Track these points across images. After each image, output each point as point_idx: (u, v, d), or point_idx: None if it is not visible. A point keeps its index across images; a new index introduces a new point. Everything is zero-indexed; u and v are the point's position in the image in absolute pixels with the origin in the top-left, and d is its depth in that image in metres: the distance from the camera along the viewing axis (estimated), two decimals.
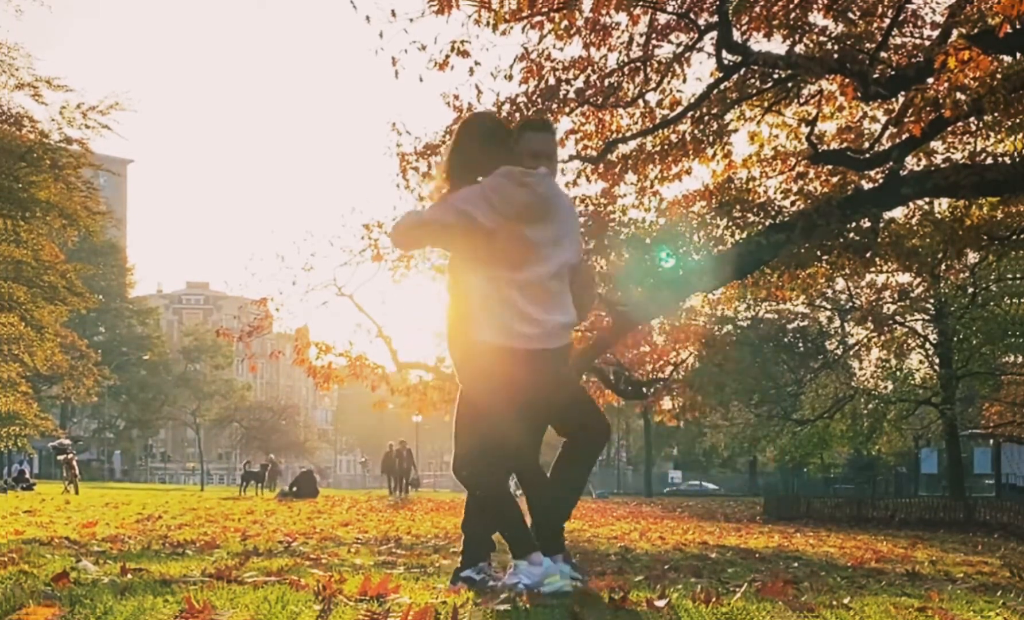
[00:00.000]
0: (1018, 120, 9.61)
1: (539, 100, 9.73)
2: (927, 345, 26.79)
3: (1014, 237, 12.49)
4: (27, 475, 29.02)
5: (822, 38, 9.58)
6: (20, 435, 27.57)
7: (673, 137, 10.47)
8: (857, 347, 28.99)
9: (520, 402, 3.26)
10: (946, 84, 7.79)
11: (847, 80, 8.85)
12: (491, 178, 3.23)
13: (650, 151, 10.52)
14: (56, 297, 25.50)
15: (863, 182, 10.93)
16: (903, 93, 9.09)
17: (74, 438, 47.91)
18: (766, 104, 10.51)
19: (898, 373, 28.42)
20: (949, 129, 10.23)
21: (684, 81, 10.04)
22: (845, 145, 10.87)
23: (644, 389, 14.72)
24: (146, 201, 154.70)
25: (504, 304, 3.23)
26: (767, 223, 10.86)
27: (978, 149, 11.04)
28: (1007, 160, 10.30)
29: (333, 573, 3.59)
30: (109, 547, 5.18)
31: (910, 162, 10.65)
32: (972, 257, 19.98)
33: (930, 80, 8.37)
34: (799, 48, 9.61)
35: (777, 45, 9.70)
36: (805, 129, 10.66)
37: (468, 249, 3.28)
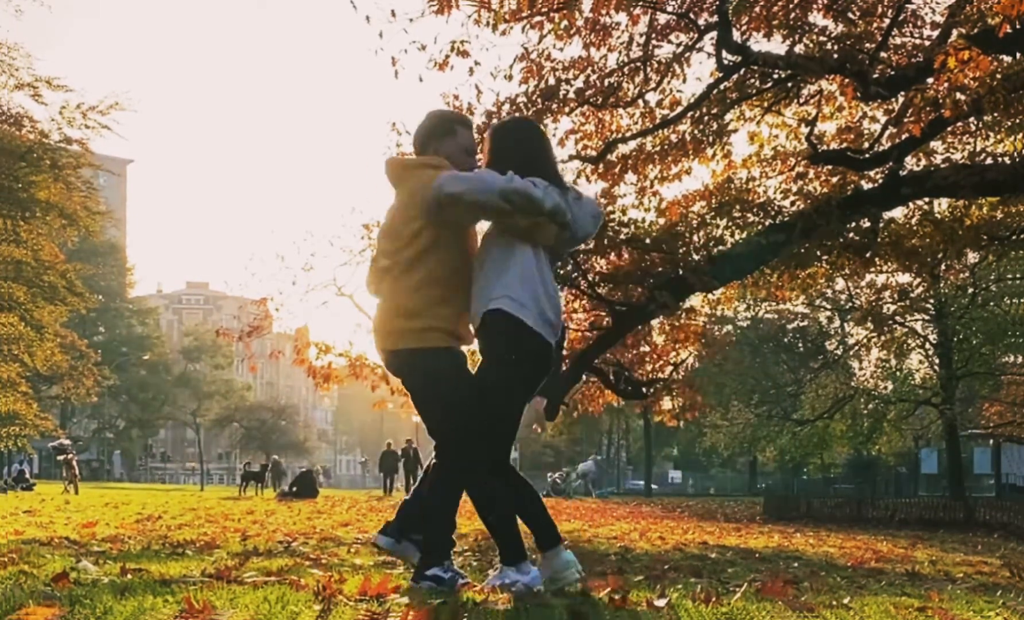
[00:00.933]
0: (1018, 120, 9.61)
1: (539, 100, 9.72)
2: (927, 345, 26.79)
3: (1014, 237, 12.49)
4: (27, 475, 29.02)
5: (822, 38, 9.57)
6: (20, 435, 27.54)
7: (673, 137, 10.47)
8: (857, 347, 29.01)
9: (531, 390, 3.38)
10: (946, 84, 7.78)
11: (847, 80, 8.84)
12: (571, 187, 3.48)
13: (650, 151, 10.52)
14: (56, 297, 25.48)
15: (863, 182, 10.93)
16: (903, 93, 9.09)
17: (74, 438, 47.89)
18: (766, 104, 10.51)
19: (898, 373, 28.43)
20: (949, 129, 10.23)
21: (684, 81, 10.06)
22: (845, 145, 10.87)
23: (644, 389, 14.70)
24: (146, 201, 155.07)
25: (531, 282, 3.31)
26: (767, 223, 10.85)
27: (978, 149, 11.04)
28: (1007, 160, 10.30)
29: (333, 573, 3.59)
30: (109, 547, 5.18)
31: (910, 162, 10.65)
32: (972, 257, 20.00)
33: (930, 80, 8.36)
34: (799, 48, 9.61)
35: (777, 45, 9.71)
36: (805, 129, 10.66)
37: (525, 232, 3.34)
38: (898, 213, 12.70)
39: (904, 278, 21.57)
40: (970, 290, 23.08)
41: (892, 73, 9.15)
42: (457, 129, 3.59)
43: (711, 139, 10.42)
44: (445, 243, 3.39)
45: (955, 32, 8.51)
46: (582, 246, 11.20)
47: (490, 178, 3.28)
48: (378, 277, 3.54)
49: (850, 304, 26.50)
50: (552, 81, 9.82)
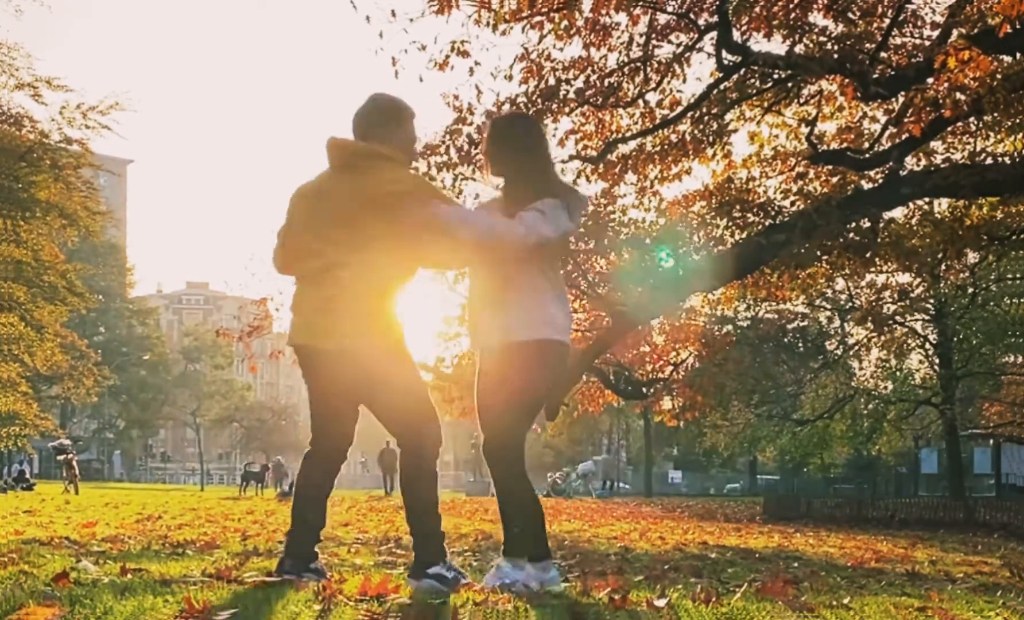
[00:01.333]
0: (1018, 120, 9.60)
1: (539, 100, 9.73)
2: (927, 345, 26.79)
3: (1014, 237, 12.48)
4: (27, 475, 29.05)
5: (822, 38, 9.57)
6: (20, 435, 27.54)
7: (673, 137, 10.46)
8: (857, 347, 28.97)
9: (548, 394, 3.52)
10: (946, 84, 7.78)
11: (847, 80, 8.84)
12: (566, 186, 3.60)
13: (650, 151, 10.51)
14: (56, 297, 25.47)
15: (863, 182, 10.92)
16: (903, 93, 9.08)
17: (74, 438, 47.92)
18: (766, 104, 10.51)
19: (898, 373, 28.44)
20: (949, 129, 10.22)
21: (684, 81, 10.05)
22: (845, 145, 10.87)
23: (644, 389, 14.71)
24: (146, 201, 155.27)
25: (559, 298, 3.44)
26: (767, 223, 10.85)
27: (978, 149, 11.04)
28: (1007, 160, 10.30)
29: (333, 573, 3.59)
30: (109, 547, 5.17)
31: (910, 162, 10.64)
32: (972, 257, 19.97)
33: (930, 80, 8.36)
34: (799, 48, 9.60)
35: (777, 45, 9.70)
36: (805, 129, 10.66)
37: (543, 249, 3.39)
38: (898, 213, 12.71)
39: (904, 278, 21.57)
40: (970, 290, 23.06)
41: (892, 73, 9.15)
42: (408, 121, 3.52)
43: (711, 139, 10.42)
44: (404, 250, 3.42)
45: (955, 32, 8.51)
46: (581, 246, 11.23)
47: (505, 234, 3.30)
48: (305, 257, 3.41)
49: (850, 304, 26.46)
50: (552, 81, 9.81)
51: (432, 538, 3.39)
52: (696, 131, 10.35)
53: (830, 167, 11.00)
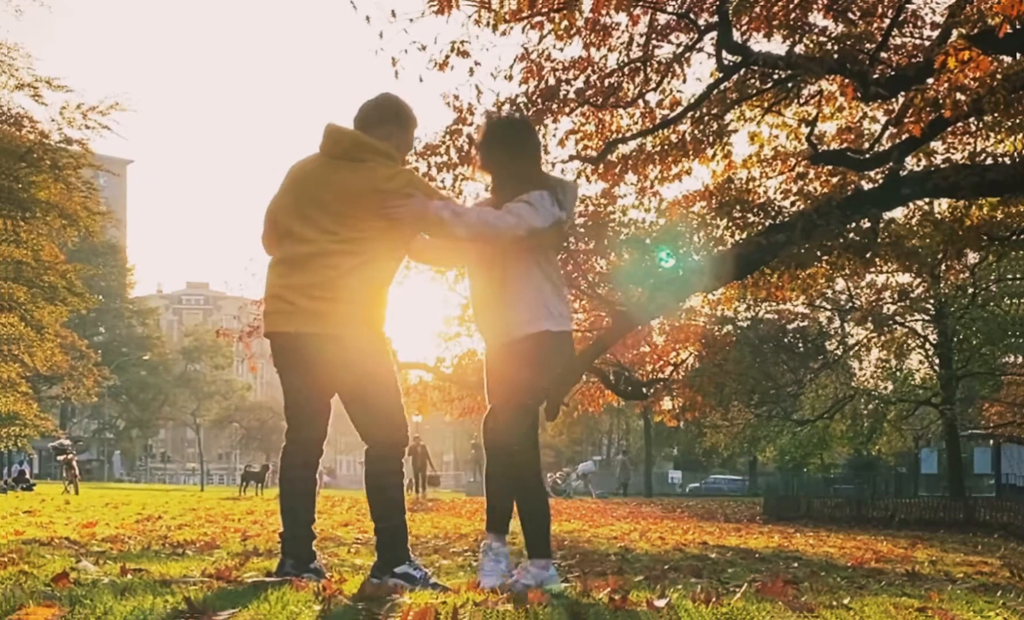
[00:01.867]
0: (1018, 120, 9.60)
1: (539, 100, 9.73)
2: (927, 345, 26.79)
3: (1014, 237, 12.48)
4: (27, 475, 29.05)
5: (822, 38, 9.58)
6: (20, 435, 27.57)
7: (673, 137, 10.46)
8: (857, 347, 28.97)
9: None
10: (946, 84, 7.78)
11: (847, 80, 8.85)
12: (555, 178, 3.63)
13: (650, 151, 10.51)
14: (56, 297, 25.49)
15: (863, 182, 10.93)
16: (903, 93, 9.08)
17: (74, 438, 47.94)
18: (766, 104, 10.51)
19: (898, 373, 28.45)
20: (949, 129, 10.23)
21: (684, 81, 10.06)
22: (845, 145, 10.87)
23: (644, 389, 14.70)
24: (146, 201, 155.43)
25: (557, 289, 3.48)
26: (767, 223, 10.85)
27: (978, 149, 11.04)
28: (1007, 160, 10.29)
29: (333, 573, 3.59)
30: (109, 547, 5.18)
31: (910, 162, 10.65)
32: (972, 257, 19.99)
33: (930, 80, 8.36)
34: (799, 48, 9.61)
35: (777, 45, 9.71)
36: (805, 129, 10.66)
37: (536, 239, 3.40)
38: (898, 213, 12.72)
39: (904, 278, 21.59)
40: (970, 290, 23.07)
41: (892, 73, 9.15)
42: (411, 128, 3.54)
43: (711, 139, 10.42)
44: (398, 245, 3.44)
45: (955, 32, 8.50)
46: (581, 246, 11.23)
47: (497, 224, 3.33)
48: (299, 242, 3.36)
49: (850, 304, 26.46)
50: (552, 81, 9.82)
51: (398, 538, 3.37)
52: (696, 131, 10.35)
53: (830, 167, 11.00)
